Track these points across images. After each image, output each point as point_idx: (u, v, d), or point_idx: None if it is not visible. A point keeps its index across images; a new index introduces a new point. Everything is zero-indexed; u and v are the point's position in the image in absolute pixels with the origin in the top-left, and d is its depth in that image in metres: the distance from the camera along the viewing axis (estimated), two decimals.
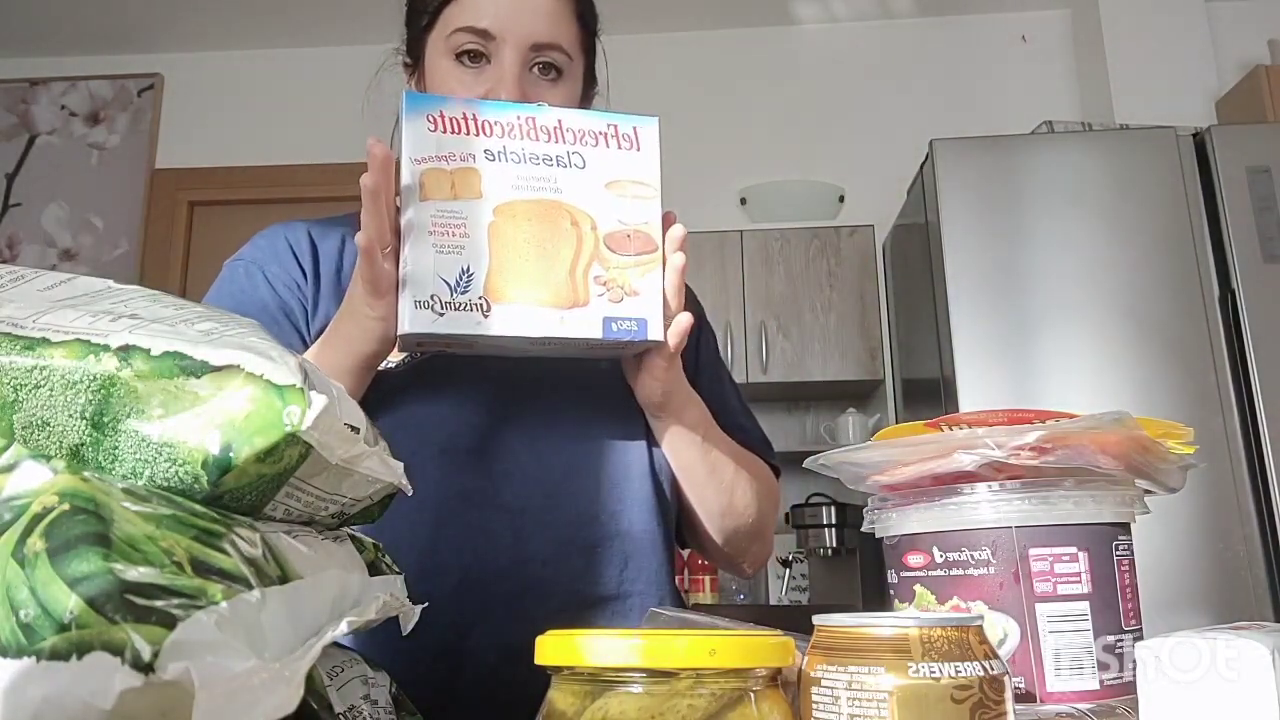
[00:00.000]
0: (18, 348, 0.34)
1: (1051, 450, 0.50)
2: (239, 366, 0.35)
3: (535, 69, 0.88)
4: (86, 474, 0.32)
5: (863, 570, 2.63)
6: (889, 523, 0.55)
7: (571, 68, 0.91)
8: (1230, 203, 2.17)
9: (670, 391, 0.82)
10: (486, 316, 0.68)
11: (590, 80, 1.00)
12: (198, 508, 0.34)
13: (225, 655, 0.29)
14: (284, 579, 0.35)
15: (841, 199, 3.14)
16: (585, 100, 0.99)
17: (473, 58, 0.87)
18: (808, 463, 0.62)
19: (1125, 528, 0.53)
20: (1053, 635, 0.49)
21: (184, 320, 0.38)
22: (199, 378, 0.35)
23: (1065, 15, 3.26)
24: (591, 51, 0.98)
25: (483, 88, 0.86)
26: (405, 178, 0.70)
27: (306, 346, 0.85)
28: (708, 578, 2.88)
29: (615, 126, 0.77)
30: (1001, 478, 0.51)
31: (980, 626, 0.39)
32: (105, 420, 0.34)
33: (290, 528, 0.39)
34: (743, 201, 3.17)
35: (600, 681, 0.39)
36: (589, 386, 0.88)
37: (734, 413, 0.98)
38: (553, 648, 0.40)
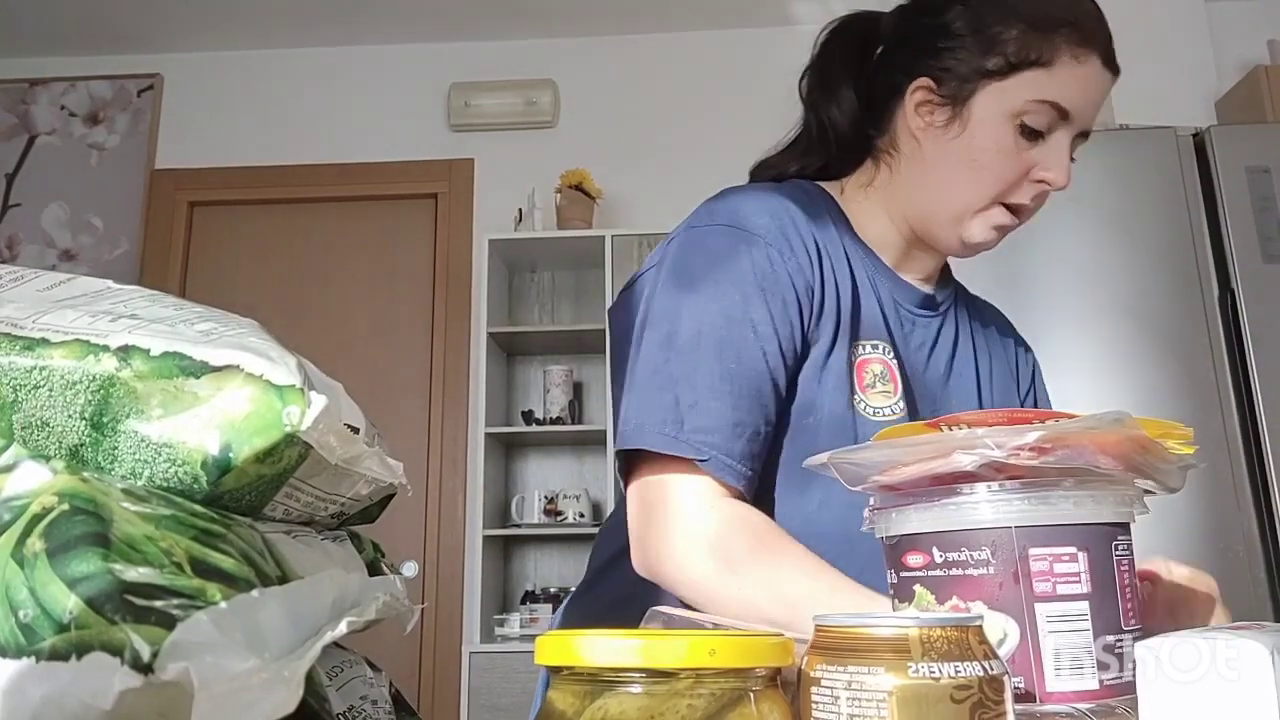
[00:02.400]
0: (17, 348, 0.34)
1: (1051, 450, 0.50)
2: (238, 367, 0.35)
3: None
4: (86, 474, 0.32)
5: None
6: (889, 523, 0.55)
7: None
8: (1230, 203, 2.17)
9: None
10: None
11: None
12: (197, 508, 0.34)
13: (225, 655, 0.29)
14: (284, 579, 0.35)
15: None
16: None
17: (1032, 134, 0.81)
18: (808, 463, 0.61)
19: (1125, 528, 0.53)
20: (1052, 635, 0.49)
21: (183, 320, 0.38)
22: (198, 378, 0.35)
23: None
24: None
25: (1026, 166, 0.81)
26: None
27: (789, 368, 0.79)
28: None
29: None
30: (1001, 478, 0.51)
31: (980, 626, 0.39)
32: (105, 420, 0.34)
33: (290, 528, 0.39)
34: None
35: (600, 681, 0.39)
36: None
37: None
38: (552, 648, 0.40)
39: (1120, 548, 0.52)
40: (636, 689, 0.38)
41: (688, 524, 0.73)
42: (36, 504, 0.29)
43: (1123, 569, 0.51)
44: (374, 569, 0.45)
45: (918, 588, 0.53)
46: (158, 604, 0.28)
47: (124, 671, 0.26)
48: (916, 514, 0.53)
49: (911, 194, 0.87)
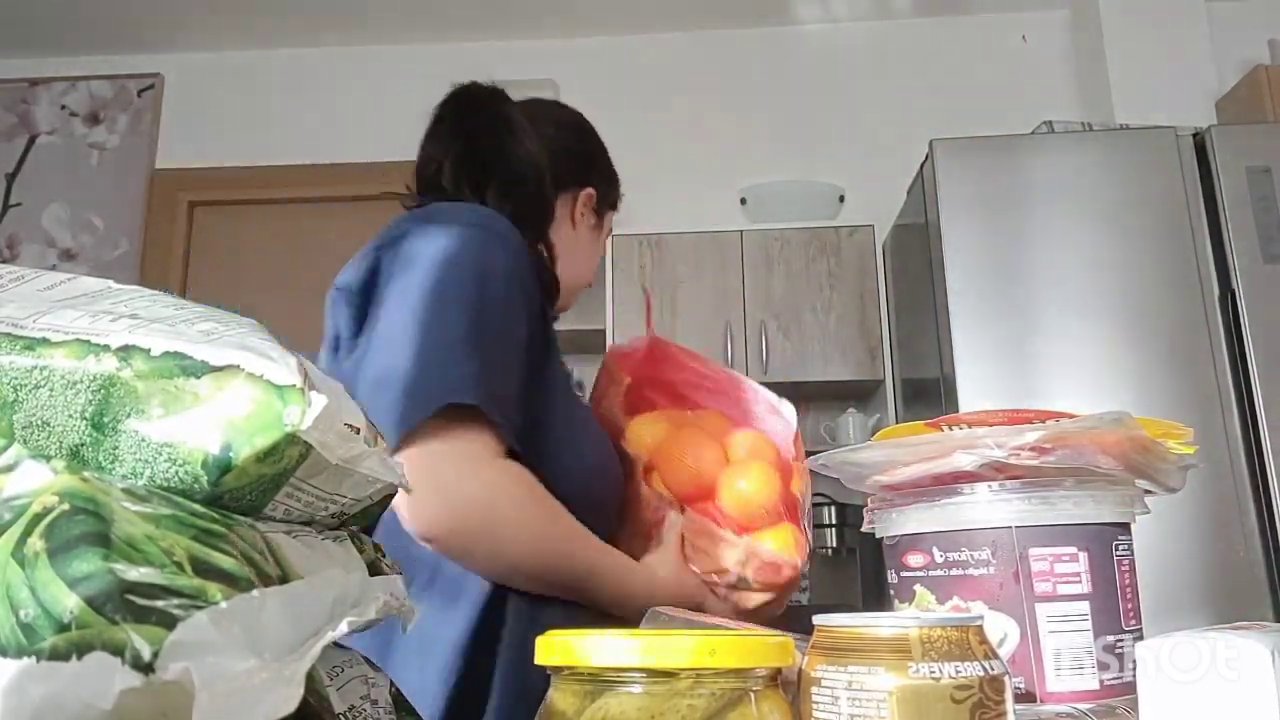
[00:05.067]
0: (18, 348, 0.34)
1: (1051, 450, 0.50)
2: (239, 366, 0.35)
3: None
4: (86, 474, 0.32)
5: (863, 570, 2.63)
6: (889, 523, 0.55)
7: None
8: (1230, 203, 2.17)
9: None
10: None
11: None
12: (198, 508, 0.34)
13: (225, 655, 0.29)
14: (284, 579, 0.35)
15: (841, 199, 3.14)
16: None
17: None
18: (808, 463, 0.62)
19: (1125, 528, 0.53)
20: (1053, 635, 0.49)
21: (184, 320, 0.38)
22: (199, 378, 0.35)
23: (1065, 15, 3.26)
24: None
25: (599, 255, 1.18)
26: None
27: (531, 372, 0.90)
28: None
29: None
30: (1001, 478, 0.51)
31: (980, 626, 0.39)
32: (105, 420, 0.34)
33: (290, 528, 0.39)
34: (743, 201, 3.17)
35: (600, 681, 0.39)
36: None
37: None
38: (553, 648, 0.40)
39: (1120, 548, 0.52)
40: (637, 689, 0.38)
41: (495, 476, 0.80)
42: (37, 504, 0.29)
43: (1123, 569, 0.51)
44: (374, 569, 0.45)
45: (918, 588, 0.53)
46: (158, 604, 0.28)
47: (125, 671, 0.26)
48: (916, 514, 0.53)
49: (562, 262, 1.08)
